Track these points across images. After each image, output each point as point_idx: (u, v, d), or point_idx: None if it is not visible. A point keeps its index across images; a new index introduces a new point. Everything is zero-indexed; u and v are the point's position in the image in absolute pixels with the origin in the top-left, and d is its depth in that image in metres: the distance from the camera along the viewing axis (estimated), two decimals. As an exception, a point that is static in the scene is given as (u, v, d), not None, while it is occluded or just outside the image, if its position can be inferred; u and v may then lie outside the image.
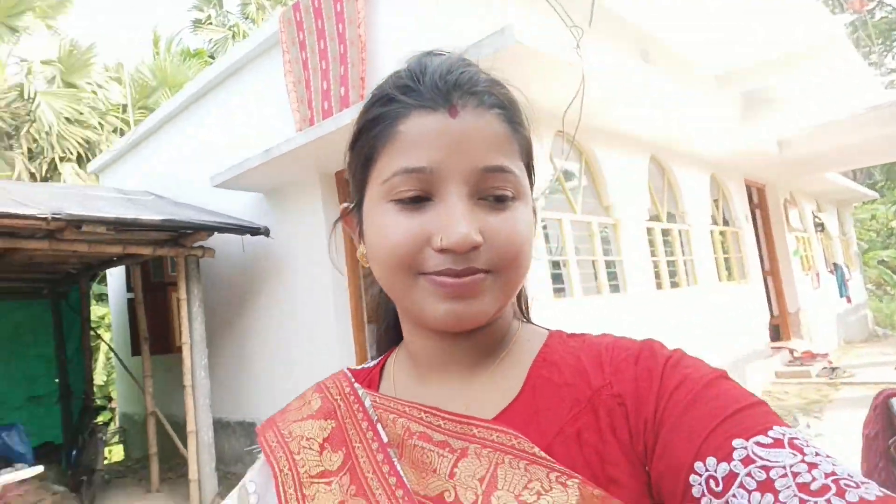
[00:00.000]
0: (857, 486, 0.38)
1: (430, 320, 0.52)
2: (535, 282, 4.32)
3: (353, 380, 0.62)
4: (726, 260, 7.65)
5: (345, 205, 0.62)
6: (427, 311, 0.52)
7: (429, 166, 0.50)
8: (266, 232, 5.32)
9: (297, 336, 5.40)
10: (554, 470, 0.48)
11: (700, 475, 0.43)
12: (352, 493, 0.54)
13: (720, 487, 0.42)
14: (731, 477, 0.42)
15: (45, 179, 10.91)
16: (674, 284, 6.21)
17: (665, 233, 6.30)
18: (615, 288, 5.31)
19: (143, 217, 4.68)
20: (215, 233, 5.21)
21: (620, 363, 0.53)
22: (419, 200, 0.51)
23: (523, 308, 0.67)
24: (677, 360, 0.51)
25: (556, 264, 4.77)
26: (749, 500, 0.40)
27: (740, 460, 0.42)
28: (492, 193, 0.51)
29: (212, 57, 14.56)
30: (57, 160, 11.00)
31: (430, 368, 0.59)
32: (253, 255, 5.72)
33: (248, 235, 5.37)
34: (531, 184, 0.58)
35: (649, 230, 5.95)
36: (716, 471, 0.43)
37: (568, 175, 5.12)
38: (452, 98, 0.51)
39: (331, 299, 5.13)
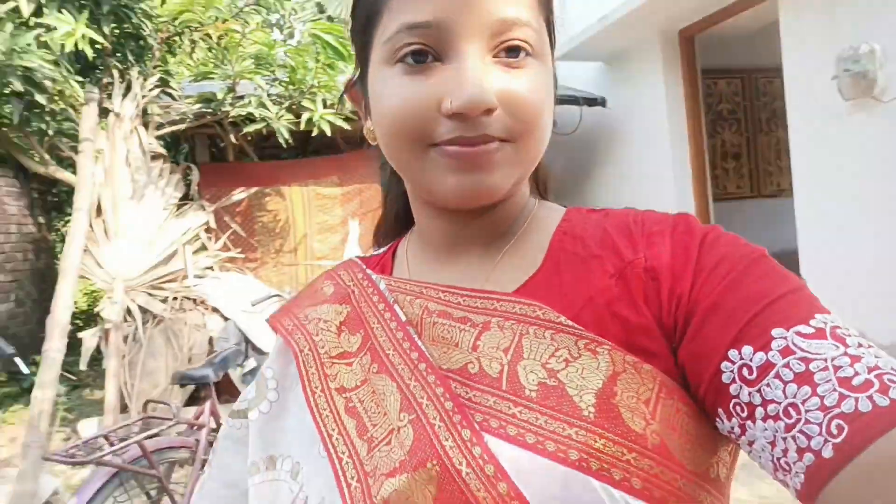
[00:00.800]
0: None
1: (440, 196, 0.50)
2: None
3: (364, 266, 0.61)
4: None
5: (348, 77, 0.58)
6: (437, 185, 0.49)
7: (434, 20, 0.45)
8: (603, 102, 5.27)
9: (634, 206, 5.40)
10: (582, 337, 0.46)
11: (733, 363, 0.41)
12: (374, 371, 0.54)
13: (754, 376, 0.40)
14: (766, 367, 0.40)
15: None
16: None
17: None
18: None
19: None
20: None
21: (654, 236, 0.49)
22: (425, 59, 0.46)
23: (541, 187, 0.62)
24: (716, 236, 0.47)
25: None
26: (784, 391, 0.39)
27: (778, 350, 0.40)
28: (507, 48, 0.46)
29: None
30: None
31: (444, 249, 0.57)
32: (590, 126, 5.77)
33: (585, 106, 5.41)
34: (552, 44, 0.52)
35: None
36: (751, 360, 0.41)
37: None
38: None
39: (670, 171, 4.89)
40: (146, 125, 4.49)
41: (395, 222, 0.67)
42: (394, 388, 0.52)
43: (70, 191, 4.54)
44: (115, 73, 4.33)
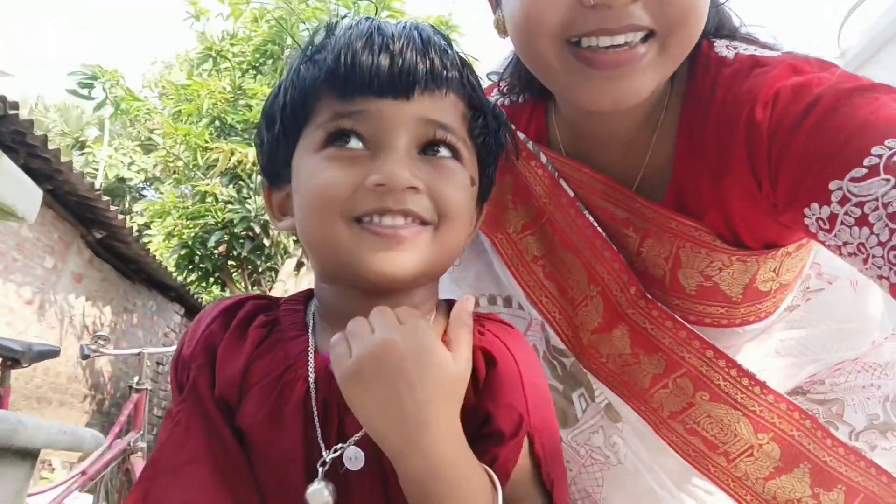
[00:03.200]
0: None
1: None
2: None
3: (513, 128, 0.64)
4: None
5: None
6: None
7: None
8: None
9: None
10: (734, 254, 0.59)
11: (811, 218, 0.50)
12: (558, 243, 0.65)
13: (827, 226, 0.49)
14: (833, 217, 0.48)
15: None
16: None
17: None
18: None
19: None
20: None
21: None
22: None
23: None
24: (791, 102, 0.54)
25: None
26: (850, 234, 0.47)
27: (837, 202, 0.47)
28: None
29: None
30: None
31: (588, 139, 0.65)
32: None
33: None
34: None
35: None
36: (820, 213, 0.49)
37: None
38: None
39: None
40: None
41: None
42: (578, 262, 0.64)
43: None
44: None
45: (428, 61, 0.49)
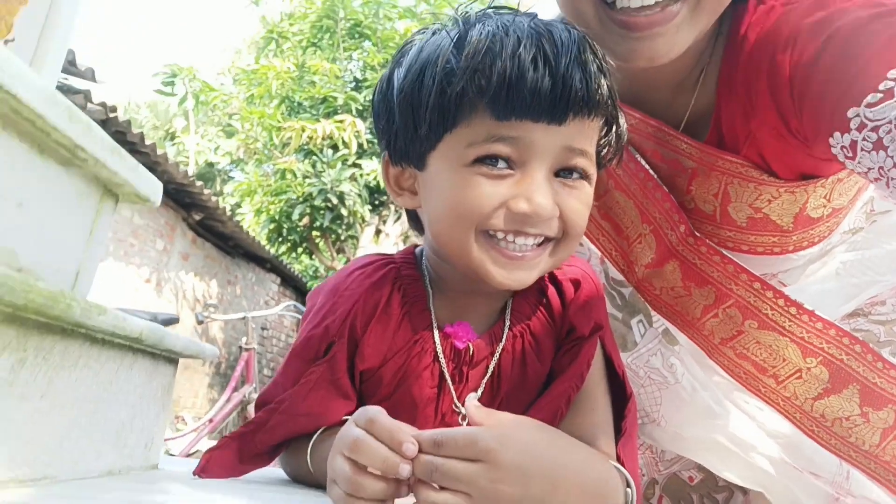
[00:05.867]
0: None
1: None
2: None
3: None
4: None
5: None
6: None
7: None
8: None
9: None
10: (782, 186, 0.60)
11: (836, 147, 0.51)
12: (612, 186, 0.68)
13: (850, 154, 0.50)
14: (853, 144, 0.48)
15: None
16: None
17: None
18: None
19: None
20: None
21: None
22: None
23: None
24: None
25: None
26: (870, 160, 0.48)
27: (856, 128, 0.48)
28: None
29: None
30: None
31: (637, 83, 0.65)
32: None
33: None
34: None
35: None
36: (843, 141, 0.50)
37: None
38: None
39: None
40: (405, 242, 6.40)
41: None
42: (631, 203, 0.67)
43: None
44: (392, 207, 6.62)
45: (586, 84, 0.49)
